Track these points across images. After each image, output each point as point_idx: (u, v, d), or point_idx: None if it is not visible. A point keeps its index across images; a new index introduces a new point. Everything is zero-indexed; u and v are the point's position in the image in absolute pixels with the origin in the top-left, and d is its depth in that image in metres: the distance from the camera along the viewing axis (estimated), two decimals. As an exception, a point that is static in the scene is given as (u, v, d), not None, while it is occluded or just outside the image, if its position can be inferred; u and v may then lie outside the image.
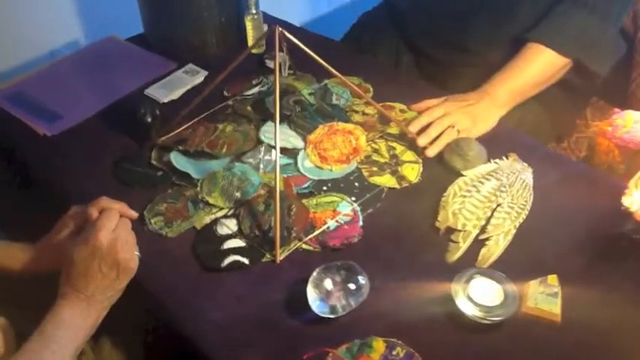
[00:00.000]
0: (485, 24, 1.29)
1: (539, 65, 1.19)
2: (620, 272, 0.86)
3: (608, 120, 0.93)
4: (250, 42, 1.37)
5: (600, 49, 1.20)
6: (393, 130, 1.14)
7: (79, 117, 1.21)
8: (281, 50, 0.95)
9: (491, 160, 1.06)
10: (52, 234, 0.90)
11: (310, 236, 0.94)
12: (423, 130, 1.10)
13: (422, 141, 1.09)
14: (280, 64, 1.24)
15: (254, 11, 1.33)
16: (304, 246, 0.93)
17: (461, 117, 1.11)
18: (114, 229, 0.84)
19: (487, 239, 0.93)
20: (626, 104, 1.48)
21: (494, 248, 0.91)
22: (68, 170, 1.09)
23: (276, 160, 0.92)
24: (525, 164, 1.05)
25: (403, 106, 1.20)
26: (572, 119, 1.43)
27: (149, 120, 1.11)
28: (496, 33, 1.29)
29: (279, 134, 0.93)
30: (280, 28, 0.95)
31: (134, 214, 0.90)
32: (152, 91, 1.26)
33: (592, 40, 1.19)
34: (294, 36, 0.98)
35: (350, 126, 1.13)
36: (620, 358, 0.76)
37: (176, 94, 1.26)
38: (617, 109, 0.92)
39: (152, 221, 0.97)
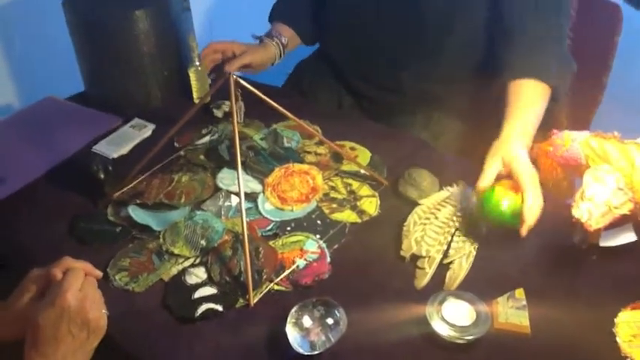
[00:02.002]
0: (416, 68, 1.37)
1: (540, 101, 1.16)
2: (578, 279, 0.92)
3: (548, 141, 1.00)
4: (195, 93, 1.38)
5: (567, 73, 1.23)
6: (347, 167, 1.17)
7: (25, 179, 1.17)
8: (236, 98, 0.97)
9: (444, 188, 1.11)
10: (11, 300, 0.86)
11: (281, 276, 0.94)
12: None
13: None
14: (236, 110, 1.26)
15: (197, 63, 1.35)
16: (276, 287, 0.94)
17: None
18: (80, 289, 0.81)
19: (451, 263, 0.97)
20: (550, 129, 1.61)
21: (459, 270, 0.95)
22: (22, 235, 1.05)
23: (241, 205, 0.93)
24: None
25: (352, 144, 1.24)
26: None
27: (102, 176, 1.10)
28: (426, 75, 1.36)
29: (242, 180, 0.94)
30: (235, 75, 0.97)
31: (99, 273, 0.87)
32: (100, 148, 1.24)
33: (563, 67, 1.22)
34: (240, 84, 0.99)
35: (305, 166, 1.16)
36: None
37: (125, 149, 1.24)
38: (554, 131, 1.00)
39: (117, 277, 0.95)
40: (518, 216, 0.95)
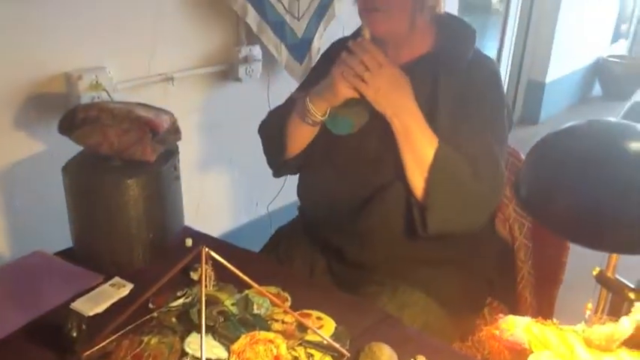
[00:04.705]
0: (380, 217, 1.47)
1: (425, 150, 1.34)
2: None
3: (494, 324, 1.07)
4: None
5: (448, 212, 1.36)
6: (311, 337, 1.22)
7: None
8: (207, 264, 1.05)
9: (402, 363, 1.15)
10: None
11: None
12: None
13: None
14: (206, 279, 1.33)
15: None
16: None
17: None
18: None
19: None
20: (515, 303, 1.68)
21: None
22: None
23: (201, 372, 0.97)
24: (422, 364, 1.15)
25: (319, 314, 1.30)
26: (471, 320, 1.58)
27: (75, 334, 1.14)
28: (392, 227, 1.46)
29: (204, 347, 0.99)
30: (207, 249, 1.06)
31: None
32: (78, 305, 1.29)
33: (458, 197, 1.36)
34: (218, 250, 1.07)
35: (271, 335, 1.20)
36: None
37: (101, 307, 1.30)
38: (501, 315, 1.07)
39: None
40: None
